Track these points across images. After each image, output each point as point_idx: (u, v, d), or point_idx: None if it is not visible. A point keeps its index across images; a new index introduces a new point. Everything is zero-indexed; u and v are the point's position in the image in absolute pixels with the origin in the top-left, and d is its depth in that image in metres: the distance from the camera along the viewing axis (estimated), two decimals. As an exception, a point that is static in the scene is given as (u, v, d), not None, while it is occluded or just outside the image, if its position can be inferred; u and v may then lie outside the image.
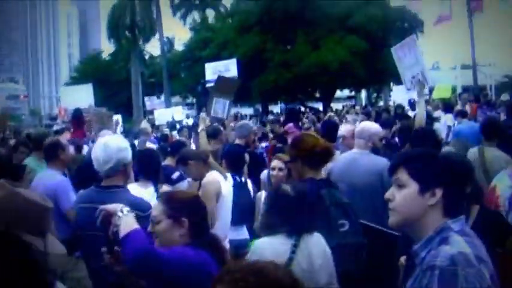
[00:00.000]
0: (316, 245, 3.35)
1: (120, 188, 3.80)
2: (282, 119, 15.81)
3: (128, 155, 3.86)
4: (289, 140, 8.59)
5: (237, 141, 7.63)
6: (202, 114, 7.90)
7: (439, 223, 2.10)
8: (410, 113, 15.05)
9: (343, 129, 6.46)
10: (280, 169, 5.40)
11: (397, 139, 10.01)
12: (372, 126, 5.62)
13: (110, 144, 3.78)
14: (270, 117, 22.67)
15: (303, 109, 34.58)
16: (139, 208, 3.48)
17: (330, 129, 7.57)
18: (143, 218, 3.16)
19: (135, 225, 2.72)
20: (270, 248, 3.18)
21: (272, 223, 3.34)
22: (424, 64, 8.43)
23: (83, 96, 16.63)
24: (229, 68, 27.88)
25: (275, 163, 5.52)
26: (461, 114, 12.29)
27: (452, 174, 2.15)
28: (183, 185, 6.30)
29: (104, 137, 4.16)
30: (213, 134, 7.99)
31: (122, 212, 2.80)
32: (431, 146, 4.90)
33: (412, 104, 16.89)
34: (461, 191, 2.22)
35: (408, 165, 2.17)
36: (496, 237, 3.07)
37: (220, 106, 9.37)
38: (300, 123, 10.09)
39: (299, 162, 4.04)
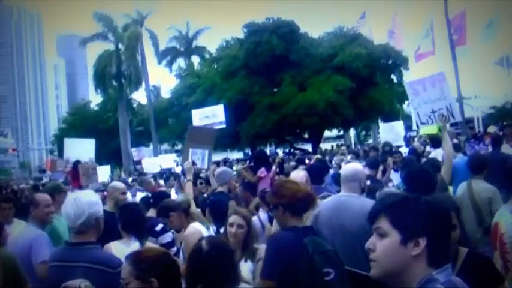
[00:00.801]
0: None
1: (91, 245, 3.74)
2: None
3: (100, 209, 3.83)
4: (261, 185, 8.46)
5: (219, 188, 7.50)
6: (187, 164, 7.80)
7: (423, 274, 1.96)
8: (404, 149, 14.98)
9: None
10: (239, 226, 4.64)
11: (390, 177, 9.92)
12: (361, 167, 5.51)
13: (81, 199, 3.76)
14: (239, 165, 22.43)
15: (292, 151, 34.63)
16: (109, 265, 3.51)
17: (317, 172, 7.44)
18: (113, 275, 3.21)
19: None
20: None
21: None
22: (453, 99, 8.64)
23: (85, 150, 17.38)
24: (216, 113, 27.88)
25: (233, 218, 4.71)
26: (456, 148, 11.69)
27: (436, 220, 2.00)
28: (167, 237, 6.14)
29: (75, 193, 4.08)
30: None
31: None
32: (428, 186, 4.82)
33: (408, 141, 16.86)
34: (447, 238, 2.06)
35: (389, 213, 2.03)
36: (485, 284, 2.93)
37: (198, 156, 9.32)
38: (271, 166, 9.82)
39: (281, 210, 3.92)
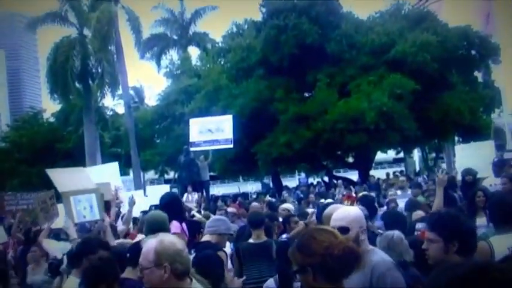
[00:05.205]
0: None
1: None
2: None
3: None
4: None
5: (206, 237, 8.21)
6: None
7: None
8: (493, 180, 14.46)
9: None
10: None
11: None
12: None
13: None
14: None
15: (329, 180, 34.42)
16: None
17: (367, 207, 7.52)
18: None
19: None
20: None
21: None
22: None
23: (108, 176, 18.28)
24: (222, 127, 28.10)
25: None
26: None
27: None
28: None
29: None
30: (255, 223, 9.09)
31: None
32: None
33: (499, 167, 16.19)
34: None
35: None
36: None
37: (84, 205, 9.44)
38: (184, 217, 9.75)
39: (310, 273, 3.86)
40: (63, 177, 10.38)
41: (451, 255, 4.60)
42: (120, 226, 11.19)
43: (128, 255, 7.23)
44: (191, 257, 7.13)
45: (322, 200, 17.56)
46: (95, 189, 9.91)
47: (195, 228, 9.18)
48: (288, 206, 14.73)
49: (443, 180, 9.25)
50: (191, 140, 27.70)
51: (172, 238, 4.79)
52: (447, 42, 34.38)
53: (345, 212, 5.48)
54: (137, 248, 7.35)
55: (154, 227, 7.68)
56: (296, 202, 21.10)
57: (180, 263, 4.50)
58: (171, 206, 9.55)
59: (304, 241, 4.01)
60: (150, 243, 4.60)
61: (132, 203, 10.88)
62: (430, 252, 4.88)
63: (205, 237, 8.12)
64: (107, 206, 14.22)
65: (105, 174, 19.33)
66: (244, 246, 9.50)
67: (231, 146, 28.13)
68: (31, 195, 20.04)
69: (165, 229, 7.64)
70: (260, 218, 9.90)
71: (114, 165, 21.27)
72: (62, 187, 10.30)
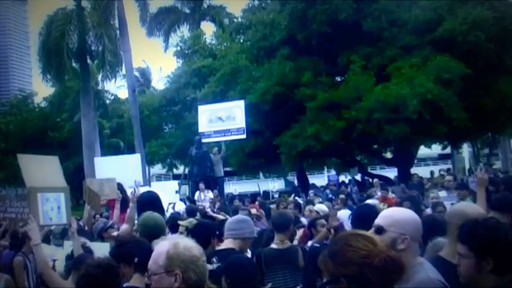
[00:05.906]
0: None
1: None
2: None
3: None
4: None
5: (228, 243, 8.07)
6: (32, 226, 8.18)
7: None
8: None
9: None
10: None
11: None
12: None
13: None
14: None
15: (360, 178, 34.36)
16: None
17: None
18: None
19: None
20: None
21: None
22: None
23: (128, 169, 19.18)
24: (233, 114, 28.15)
25: None
26: None
27: None
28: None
29: None
30: (281, 226, 9.35)
31: None
32: None
33: None
34: None
35: None
36: None
37: (52, 205, 9.48)
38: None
39: (344, 284, 3.86)
40: (33, 167, 10.37)
41: (484, 275, 4.48)
42: (123, 225, 11.17)
43: (136, 259, 7.28)
44: (215, 266, 7.20)
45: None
46: (64, 187, 9.87)
47: (207, 233, 9.10)
48: (320, 207, 14.60)
49: (484, 179, 9.18)
50: (200, 130, 27.79)
51: (189, 242, 4.62)
52: (505, 19, 33.63)
53: (389, 211, 5.35)
54: (148, 251, 7.44)
55: (152, 233, 7.65)
56: (329, 203, 20.88)
57: (195, 272, 4.37)
58: (150, 207, 9.36)
59: (337, 248, 3.95)
60: (162, 246, 4.50)
61: (135, 197, 10.79)
62: (461, 269, 4.74)
63: (226, 243, 8.03)
64: (109, 205, 14.31)
65: (125, 166, 19.56)
66: (267, 252, 9.41)
67: (244, 136, 28.13)
68: (21, 203, 19.84)
69: (163, 235, 7.61)
70: (286, 220, 9.73)
71: (136, 157, 22.22)
72: (30, 180, 10.29)
